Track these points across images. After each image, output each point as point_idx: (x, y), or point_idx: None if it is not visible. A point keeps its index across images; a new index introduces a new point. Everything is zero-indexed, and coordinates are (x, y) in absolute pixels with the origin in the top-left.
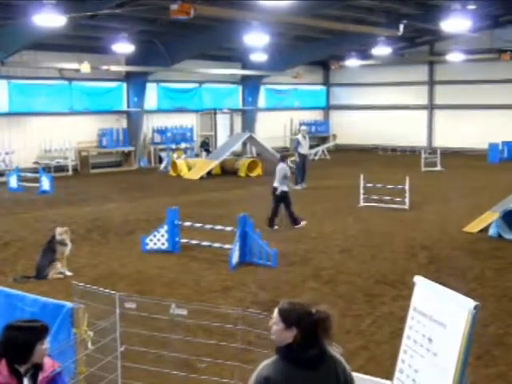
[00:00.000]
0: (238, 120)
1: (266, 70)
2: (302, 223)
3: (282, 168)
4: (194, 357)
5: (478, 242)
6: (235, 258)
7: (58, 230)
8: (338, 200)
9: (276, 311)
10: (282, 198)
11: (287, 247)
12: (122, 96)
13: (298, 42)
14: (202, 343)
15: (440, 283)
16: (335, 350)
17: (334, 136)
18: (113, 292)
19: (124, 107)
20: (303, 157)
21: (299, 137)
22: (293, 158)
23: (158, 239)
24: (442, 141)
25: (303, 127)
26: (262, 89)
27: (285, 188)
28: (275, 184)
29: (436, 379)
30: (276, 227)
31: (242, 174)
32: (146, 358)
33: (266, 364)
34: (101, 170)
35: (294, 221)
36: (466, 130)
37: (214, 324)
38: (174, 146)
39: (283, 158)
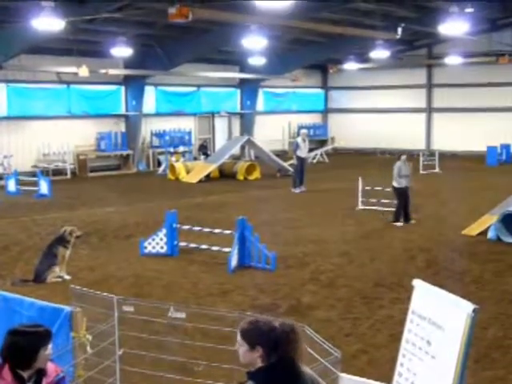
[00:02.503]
0: (236, 123)
1: (264, 73)
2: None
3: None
4: (191, 360)
5: (476, 244)
6: (234, 262)
7: (68, 228)
8: (336, 203)
9: (238, 333)
10: None
11: (286, 250)
12: (120, 99)
13: (296, 46)
14: (199, 346)
15: (439, 286)
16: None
17: (333, 139)
18: (111, 295)
19: (122, 111)
20: (302, 160)
21: (299, 140)
22: (291, 162)
23: (157, 242)
24: (441, 144)
25: (303, 130)
26: (261, 92)
27: None
28: None
29: (435, 382)
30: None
31: (240, 177)
32: (144, 361)
33: None
34: (99, 173)
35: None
36: (465, 133)
37: (212, 327)
38: (172, 150)
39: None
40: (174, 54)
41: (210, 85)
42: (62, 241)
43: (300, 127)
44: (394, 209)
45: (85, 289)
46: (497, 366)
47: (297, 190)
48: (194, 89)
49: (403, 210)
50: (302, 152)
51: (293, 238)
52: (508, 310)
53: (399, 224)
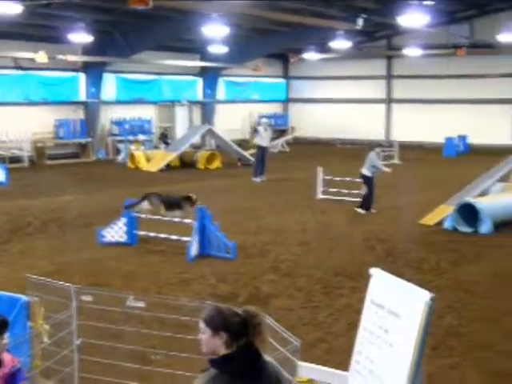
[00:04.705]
0: (197, 112)
1: (226, 62)
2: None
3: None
4: (150, 349)
5: (433, 234)
6: (194, 251)
7: None
8: (296, 192)
9: (201, 320)
10: None
11: (246, 239)
12: (79, 86)
13: (257, 35)
14: (158, 335)
15: (396, 275)
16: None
17: (293, 128)
18: (68, 285)
19: (81, 98)
20: (263, 149)
21: (260, 128)
22: (252, 151)
23: (116, 231)
24: (400, 134)
25: (265, 119)
26: (222, 81)
27: None
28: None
29: (392, 370)
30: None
31: (200, 166)
32: (102, 350)
33: (205, 380)
34: (57, 161)
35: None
36: (423, 124)
37: (172, 316)
38: (132, 138)
39: None
40: (134, 41)
41: (171, 73)
42: None
43: (261, 117)
44: (356, 198)
45: (42, 278)
46: (453, 353)
47: (257, 180)
48: (155, 77)
49: (362, 199)
50: (263, 141)
51: (253, 227)
52: (464, 298)
53: (373, 211)
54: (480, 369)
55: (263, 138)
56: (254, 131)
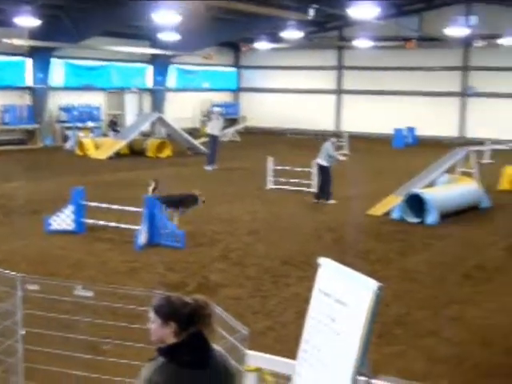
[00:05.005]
0: (147, 100)
1: (176, 49)
2: None
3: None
4: (99, 339)
5: (381, 224)
6: (142, 239)
7: None
8: (247, 182)
9: (150, 309)
10: None
11: (196, 228)
12: (26, 71)
13: (208, 23)
14: (107, 325)
15: (345, 264)
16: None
17: (244, 118)
18: (13, 273)
19: (28, 83)
20: (215, 138)
21: (213, 117)
22: (202, 140)
23: (63, 219)
24: (350, 125)
25: (217, 108)
26: (172, 69)
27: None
28: None
29: (339, 358)
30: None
31: (150, 154)
32: (50, 341)
33: (153, 369)
34: (3, 147)
35: None
36: (373, 115)
37: (120, 305)
38: (80, 125)
39: None
40: (83, 27)
41: (121, 60)
42: None
43: (212, 105)
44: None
45: None
46: (399, 341)
47: (209, 168)
48: (104, 63)
49: (320, 189)
50: (215, 130)
51: (203, 216)
52: (410, 287)
53: (332, 202)
54: (425, 356)
55: (215, 127)
56: (208, 120)
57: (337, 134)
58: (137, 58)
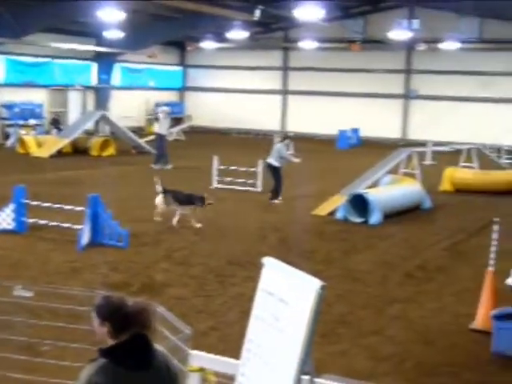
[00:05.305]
0: (91, 98)
1: (121, 47)
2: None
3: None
4: (38, 340)
5: (326, 224)
6: (85, 239)
7: None
8: (192, 181)
9: (92, 309)
10: None
11: (140, 228)
12: None
13: (154, 21)
14: (47, 326)
15: (289, 264)
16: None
17: (190, 117)
18: None
19: None
20: (162, 137)
21: (160, 117)
22: (147, 138)
23: (3, 219)
24: (295, 126)
25: (165, 107)
26: (117, 67)
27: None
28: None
29: (282, 357)
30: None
31: (94, 153)
32: None
33: (93, 370)
34: None
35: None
36: (318, 116)
37: (61, 306)
38: (22, 122)
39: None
40: (26, 22)
41: (65, 56)
42: None
43: (157, 104)
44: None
45: None
46: (342, 340)
47: (156, 167)
48: (47, 60)
49: (274, 189)
50: (162, 129)
51: (147, 216)
52: (353, 287)
53: (278, 201)
54: (368, 355)
55: (163, 126)
56: (155, 119)
57: (289, 136)
58: (81, 55)
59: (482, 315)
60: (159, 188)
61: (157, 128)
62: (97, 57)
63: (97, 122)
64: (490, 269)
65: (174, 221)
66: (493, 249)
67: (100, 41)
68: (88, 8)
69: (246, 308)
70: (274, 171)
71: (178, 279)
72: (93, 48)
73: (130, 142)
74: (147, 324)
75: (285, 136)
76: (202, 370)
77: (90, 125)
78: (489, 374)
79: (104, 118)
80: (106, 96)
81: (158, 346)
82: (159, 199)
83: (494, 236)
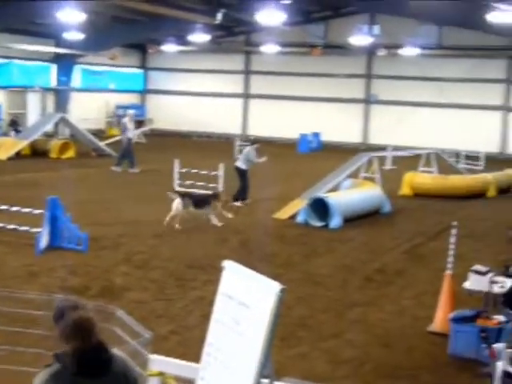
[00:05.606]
0: (51, 99)
1: (82, 49)
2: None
3: None
4: None
5: (287, 228)
6: (43, 242)
7: None
8: (152, 184)
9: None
10: None
11: (99, 231)
12: None
13: (115, 23)
14: (4, 331)
15: (249, 267)
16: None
17: (151, 120)
18: None
19: None
20: (129, 140)
21: (126, 120)
22: (107, 141)
23: None
24: (256, 129)
25: (130, 111)
26: (78, 69)
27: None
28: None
29: (242, 360)
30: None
31: (53, 155)
32: None
33: (47, 375)
34: None
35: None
36: (279, 120)
37: (18, 310)
38: None
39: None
40: None
41: (24, 57)
42: None
43: (117, 107)
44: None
45: None
46: (302, 343)
47: (118, 169)
48: (5, 61)
49: (240, 192)
50: (129, 132)
51: (107, 219)
52: (314, 290)
53: (240, 204)
54: (328, 358)
55: (129, 130)
56: (122, 123)
57: (258, 140)
58: (40, 56)
59: (440, 318)
60: (174, 195)
61: (124, 131)
62: (56, 58)
63: (56, 124)
64: (448, 272)
65: (175, 223)
66: (451, 252)
67: (60, 42)
68: (47, 9)
69: (207, 312)
70: (241, 174)
71: (137, 283)
72: (52, 49)
73: (89, 145)
74: (90, 334)
75: (254, 140)
76: (161, 374)
77: (49, 127)
78: (446, 376)
79: (64, 120)
80: (66, 98)
81: (117, 351)
82: (177, 203)
83: (452, 240)
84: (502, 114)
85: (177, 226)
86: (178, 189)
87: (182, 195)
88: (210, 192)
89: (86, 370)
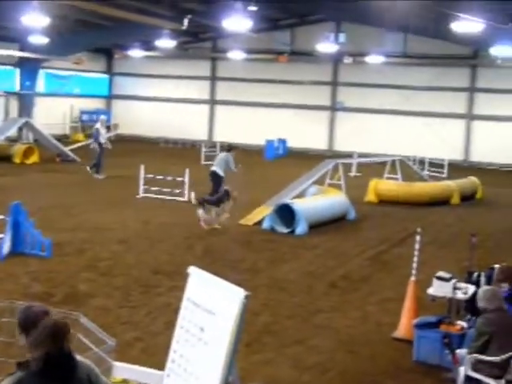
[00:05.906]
0: (14, 104)
1: (46, 53)
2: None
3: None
4: None
5: (252, 234)
6: (5, 248)
7: None
8: (118, 190)
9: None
10: None
11: (63, 237)
12: None
13: (80, 28)
14: None
15: (215, 274)
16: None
17: (116, 125)
18: None
19: None
20: (101, 145)
21: (98, 126)
22: (72, 146)
23: None
24: (222, 136)
25: (102, 116)
26: (42, 73)
27: None
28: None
29: (207, 367)
30: None
31: (16, 160)
32: None
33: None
34: None
35: None
36: (245, 127)
37: None
38: None
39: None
40: None
41: None
42: None
43: (82, 112)
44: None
45: None
46: (267, 349)
47: (101, 177)
48: None
49: (214, 197)
50: (102, 138)
51: (71, 225)
52: (279, 296)
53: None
54: (293, 364)
55: (101, 135)
56: (95, 129)
57: (237, 147)
58: (3, 60)
59: (404, 324)
60: (195, 201)
61: (97, 137)
62: (20, 62)
63: (20, 129)
64: (412, 278)
65: (214, 223)
66: (415, 259)
67: (24, 46)
68: (11, 12)
69: (172, 318)
70: (217, 180)
71: (101, 289)
72: (15, 53)
73: (54, 150)
74: (63, 339)
75: (230, 146)
76: (125, 381)
77: (12, 131)
78: (410, 382)
79: (28, 125)
80: (30, 103)
81: (82, 358)
82: (201, 214)
83: (416, 246)
84: (466, 121)
85: (217, 225)
86: (143, 194)
87: (201, 203)
88: (222, 191)
89: (55, 374)
